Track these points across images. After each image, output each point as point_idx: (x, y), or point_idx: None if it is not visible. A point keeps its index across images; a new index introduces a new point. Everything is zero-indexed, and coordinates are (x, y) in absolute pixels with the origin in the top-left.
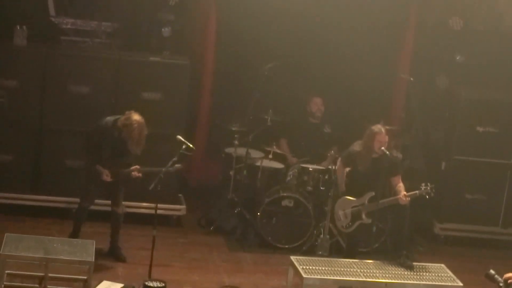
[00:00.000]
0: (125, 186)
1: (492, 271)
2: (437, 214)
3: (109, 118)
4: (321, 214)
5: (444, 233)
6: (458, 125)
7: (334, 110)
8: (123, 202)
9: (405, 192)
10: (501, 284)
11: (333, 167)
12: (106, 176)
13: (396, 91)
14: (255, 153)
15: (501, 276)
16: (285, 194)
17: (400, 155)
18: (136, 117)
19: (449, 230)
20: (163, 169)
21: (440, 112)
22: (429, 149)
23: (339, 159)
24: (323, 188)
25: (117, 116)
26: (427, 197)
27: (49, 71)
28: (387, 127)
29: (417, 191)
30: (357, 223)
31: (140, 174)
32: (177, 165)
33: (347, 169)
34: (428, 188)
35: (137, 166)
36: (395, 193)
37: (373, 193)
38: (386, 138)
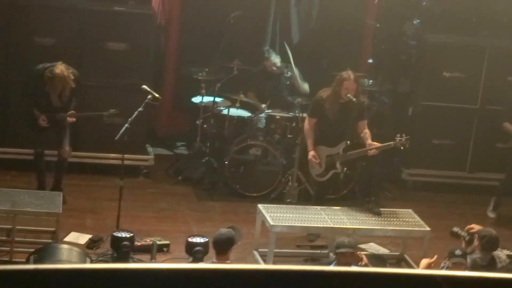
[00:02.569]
0: (69, 131)
1: (455, 229)
2: (405, 160)
3: (42, 66)
4: (289, 162)
5: (412, 178)
6: (424, 70)
7: (299, 59)
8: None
9: (375, 144)
10: (466, 238)
11: (300, 115)
12: (42, 121)
13: (363, 38)
14: (222, 102)
15: (464, 229)
16: (252, 143)
17: (366, 100)
18: (58, 70)
19: (417, 175)
20: (103, 113)
21: (408, 58)
22: (396, 95)
23: (306, 117)
24: (291, 136)
25: (50, 64)
26: (401, 148)
27: (14, 23)
28: (356, 74)
29: (391, 143)
30: (331, 172)
31: (74, 119)
32: (111, 110)
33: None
34: (403, 139)
35: (72, 111)
36: (361, 140)
37: (347, 142)
38: (354, 86)
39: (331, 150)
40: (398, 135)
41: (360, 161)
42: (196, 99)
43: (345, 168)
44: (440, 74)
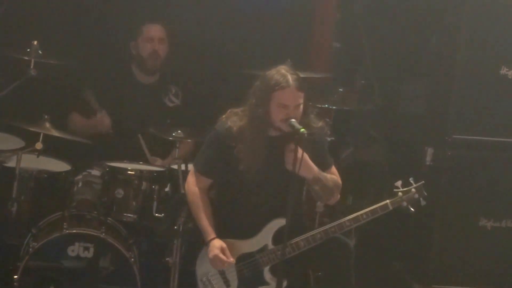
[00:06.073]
0: None
1: None
2: (421, 269)
3: None
4: (158, 275)
5: None
6: (458, 71)
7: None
8: None
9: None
10: None
11: (183, 167)
12: None
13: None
14: (5, 141)
15: None
16: (74, 231)
17: (324, 126)
18: None
19: None
20: None
21: (422, 43)
22: (396, 118)
23: (191, 173)
24: (162, 215)
25: None
26: (411, 209)
27: None
28: (303, 75)
29: (387, 201)
30: None
31: None
32: None
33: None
34: (414, 188)
35: None
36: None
37: (282, 221)
38: (300, 99)
39: (250, 244)
40: (400, 182)
41: (318, 261)
42: None
43: (285, 282)
44: (496, 70)
